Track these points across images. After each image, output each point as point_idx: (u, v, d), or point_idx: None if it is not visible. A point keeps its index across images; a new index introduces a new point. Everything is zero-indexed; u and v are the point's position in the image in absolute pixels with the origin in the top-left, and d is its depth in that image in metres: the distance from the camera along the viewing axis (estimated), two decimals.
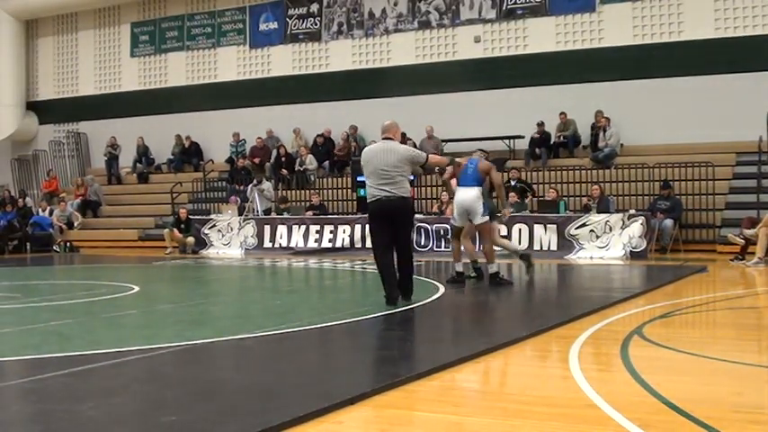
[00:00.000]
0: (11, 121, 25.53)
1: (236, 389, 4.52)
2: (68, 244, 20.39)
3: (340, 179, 19.90)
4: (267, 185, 18.92)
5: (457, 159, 8.93)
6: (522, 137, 19.16)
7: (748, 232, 13.44)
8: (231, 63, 23.13)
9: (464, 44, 20.26)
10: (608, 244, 14.52)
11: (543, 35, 19.43)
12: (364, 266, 13.14)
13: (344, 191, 19.31)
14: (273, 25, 22.64)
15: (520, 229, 15.10)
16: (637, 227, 14.38)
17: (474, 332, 6.88)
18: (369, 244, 13.37)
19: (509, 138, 19.20)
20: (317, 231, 17.13)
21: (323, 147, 21.11)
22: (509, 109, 19.14)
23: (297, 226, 17.30)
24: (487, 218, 9.62)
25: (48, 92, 25.96)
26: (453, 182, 9.92)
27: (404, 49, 20.89)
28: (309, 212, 17.97)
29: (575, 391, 4.44)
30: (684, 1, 18.19)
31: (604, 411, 3.99)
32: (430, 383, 4.65)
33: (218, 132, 22.67)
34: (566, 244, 14.75)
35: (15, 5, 25.09)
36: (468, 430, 3.89)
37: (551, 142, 18.98)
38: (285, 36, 22.45)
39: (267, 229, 17.56)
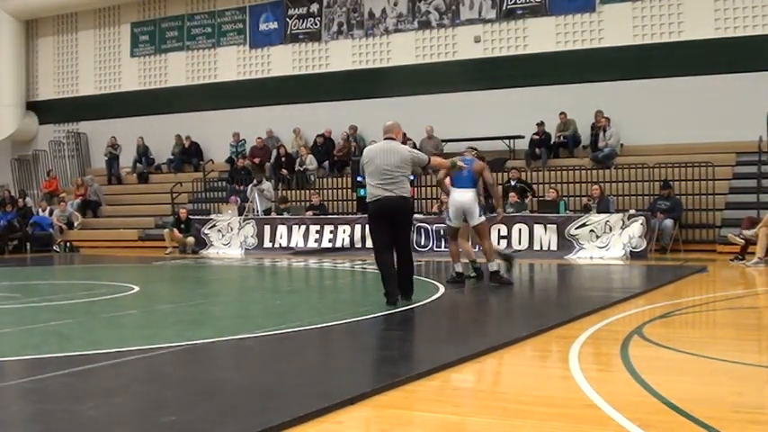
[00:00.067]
0: (11, 121, 25.53)
1: (236, 389, 4.52)
2: (68, 244, 20.39)
3: (340, 179, 19.89)
4: (267, 185, 18.91)
5: (459, 163, 8.94)
6: (522, 137, 19.17)
7: (747, 233, 13.44)
8: (231, 63, 23.13)
9: (464, 44, 20.26)
10: (608, 244, 14.52)
11: (543, 35, 19.43)
12: (364, 266, 13.14)
13: (344, 191, 19.31)
14: (273, 25, 22.63)
15: (520, 230, 15.11)
16: (637, 227, 14.39)
17: (474, 332, 6.87)
18: (369, 244, 13.40)
19: (509, 138, 19.20)
20: (317, 231, 17.13)
21: (323, 147, 21.11)
22: (509, 109, 19.14)
23: (297, 226, 17.30)
24: (483, 218, 9.74)
25: (48, 92, 25.96)
26: (447, 181, 9.96)
27: (404, 49, 20.89)
28: (309, 212, 17.96)
29: (575, 391, 4.44)
30: (684, 1, 18.18)
31: (604, 411, 3.99)
32: (430, 383, 4.65)
33: (218, 132, 22.67)
34: (566, 244, 14.75)
35: (15, 5, 25.09)
36: (468, 430, 3.89)
37: (551, 142, 18.97)
38: (285, 36, 22.44)
39: (267, 229, 17.55)
